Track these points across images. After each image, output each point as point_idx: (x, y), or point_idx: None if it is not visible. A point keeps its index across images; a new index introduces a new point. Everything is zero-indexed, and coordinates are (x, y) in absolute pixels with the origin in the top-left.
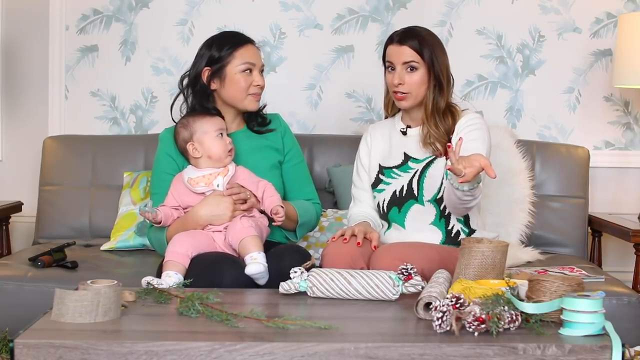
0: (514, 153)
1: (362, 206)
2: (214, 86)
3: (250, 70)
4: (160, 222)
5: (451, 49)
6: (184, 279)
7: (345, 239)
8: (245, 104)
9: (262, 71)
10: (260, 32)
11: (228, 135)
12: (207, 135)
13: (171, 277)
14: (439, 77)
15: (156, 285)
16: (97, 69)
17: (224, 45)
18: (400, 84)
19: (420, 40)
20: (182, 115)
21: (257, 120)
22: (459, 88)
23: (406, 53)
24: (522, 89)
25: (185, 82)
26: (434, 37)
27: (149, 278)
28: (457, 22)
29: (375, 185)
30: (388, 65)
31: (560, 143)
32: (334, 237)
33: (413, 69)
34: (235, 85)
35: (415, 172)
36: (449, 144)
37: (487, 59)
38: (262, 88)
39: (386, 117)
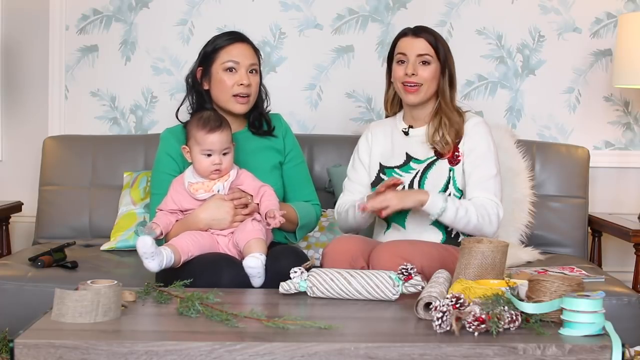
0: (514, 153)
1: (353, 196)
2: (205, 86)
3: (234, 69)
4: (161, 234)
5: (451, 49)
6: (182, 279)
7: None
8: (229, 106)
9: (254, 71)
10: (260, 32)
11: (226, 153)
12: (196, 148)
13: (165, 250)
14: (451, 74)
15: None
16: (97, 69)
17: (214, 43)
18: (413, 74)
19: (434, 36)
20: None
21: (261, 127)
22: (458, 88)
23: (421, 46)
24: (522, 89)
25: (189, 83)
26: (443, 37)
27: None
28: (457, 22)
29: (376, 184)
30: (399, 59)
31: (560, 143)
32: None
33: (426, 62)
34: (220, 85)
35: (417, 173)
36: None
37: (487, 59)
38: (247, 87)
39: (387, 116)
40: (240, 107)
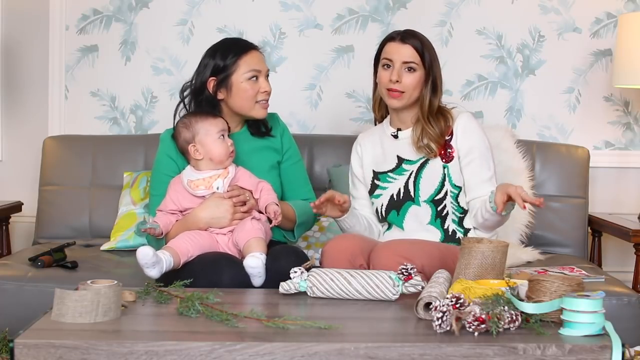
0: (514, 153)
1: (361, 212)
2: (220, 96)
3: (257, 77)
4: (161, 234)
5: (451, 49)
6: (182, 279)
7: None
8: (253, 112)
9: (267, 76)
10: (260, 32)
11: (229, 137)
12: (209, 137)
13: (164, 254)
14: (435, 80)
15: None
16: (97, 69)
17: (227, 53)
18: (397, 81)
19: (422, 42)
20: (183, 115)
21: (259, 128)
22: (458, 88)
23: (408, 53)
24: (522, 89)
25: (187, 92)
26: (430, 42)
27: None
28: (457, 22)
29: (371, 191)
30: (385, 63)
31: (560, 143)
32: (314, 204)
33: (412, 69)
34: (243, 94)
35: (410, 174)
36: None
37: (487, 59)
38: (269, 94)
39: (375, 121)
40: (264, 112)
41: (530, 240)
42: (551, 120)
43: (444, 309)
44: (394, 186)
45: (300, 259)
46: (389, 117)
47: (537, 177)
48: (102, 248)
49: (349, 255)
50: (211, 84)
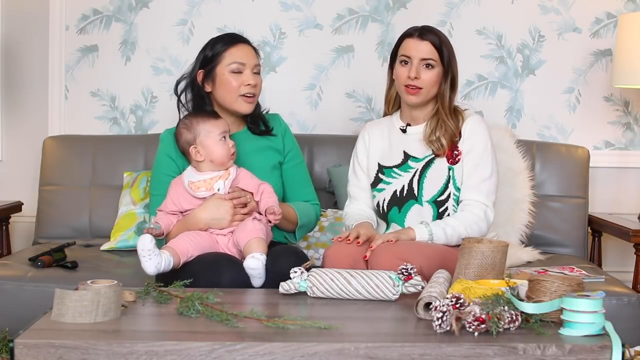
0: (514, 153)
1: (359, 204)
2: (207, 88)
3: (241, 71)
4: (162, 234)
5: None
6: (182, 279)
7: (349, 239)
8: (236, 106)
9: (257, 72)
10: (260, 32)
11: (231, 137)
12: (211, 138)
13: (164, 253)
14: (453, 76)
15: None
16: (97, 69)
17: (216, 45)
18: (416, 77)
19: (440, 38)
20: (184, 115)
21: (259, 127)
22: (459, 88)
23: (426, 49)
24: (522, 89)
25: (181, 86)
26: (447, 38)
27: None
28: (457, 22)
29: (374, 184)
30: (403, 60)
31: (560, 143)
32: (339, 237)
33: (430, 66)
34: (226, 86)
35: (415, 172)
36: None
37: (487, 59)
38: (254, 87)
39: (385, 114)
40: (248, 107)
41: (530, 240)
42: (551, 120)
43: (444, 309)
44: (398, 182)
45: (301, 259)
46: (398, 110)
47: (537, 177)
48: (102, 248)
49: (351, 260)
50: (200, 76)
